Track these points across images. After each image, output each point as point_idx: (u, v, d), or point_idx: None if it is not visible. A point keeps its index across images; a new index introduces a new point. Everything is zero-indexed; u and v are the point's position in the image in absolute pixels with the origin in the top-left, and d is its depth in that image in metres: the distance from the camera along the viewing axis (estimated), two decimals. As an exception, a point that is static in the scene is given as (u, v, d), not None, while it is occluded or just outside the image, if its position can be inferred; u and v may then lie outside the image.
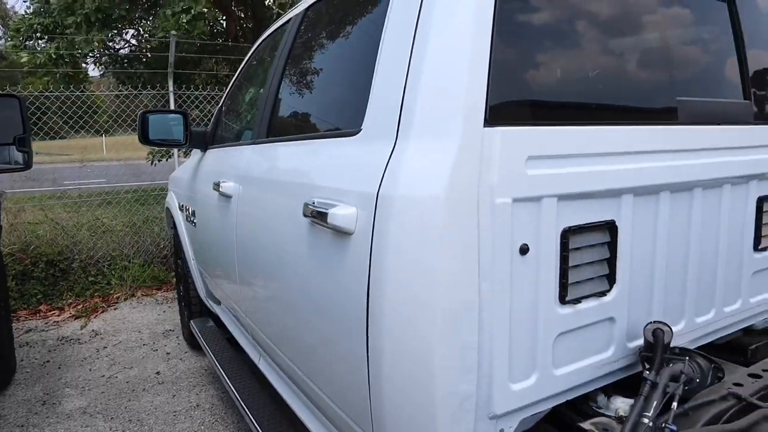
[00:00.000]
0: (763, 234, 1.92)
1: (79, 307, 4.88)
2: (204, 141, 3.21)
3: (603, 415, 1.48)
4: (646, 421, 1.25)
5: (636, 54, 1.59)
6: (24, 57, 7.59)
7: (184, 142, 3.10)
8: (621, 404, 1.51)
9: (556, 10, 1.42)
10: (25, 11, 8.38)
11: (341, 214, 1.35)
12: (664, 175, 1.52)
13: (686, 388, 1.45)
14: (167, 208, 4.04)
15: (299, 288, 1.70)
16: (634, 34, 1.61)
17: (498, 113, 1.22)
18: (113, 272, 5.29)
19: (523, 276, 1.28)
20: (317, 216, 1.45)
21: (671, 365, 1.41)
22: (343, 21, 1.95)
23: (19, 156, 2.74)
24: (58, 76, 7.45)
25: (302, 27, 2.18)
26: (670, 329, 1.46)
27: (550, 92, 1.40)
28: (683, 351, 1.55)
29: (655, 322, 1.49)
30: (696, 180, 1.62)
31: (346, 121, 1.61)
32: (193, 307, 3.66)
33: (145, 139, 2.97)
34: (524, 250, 1.27)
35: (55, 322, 4.66)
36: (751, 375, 1.57)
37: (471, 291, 1.20)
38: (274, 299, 2.03)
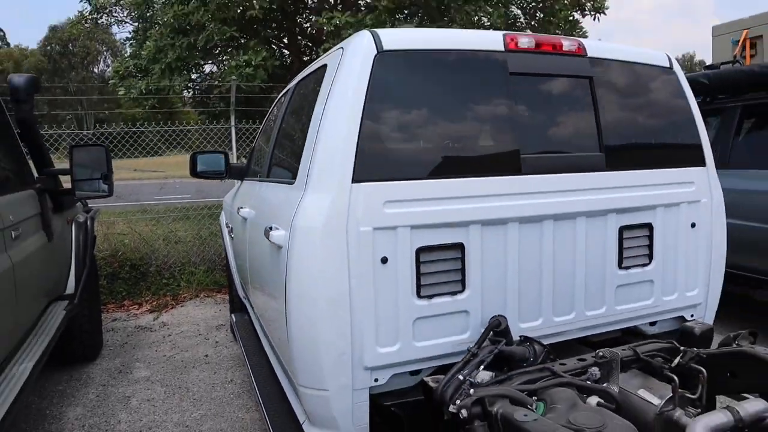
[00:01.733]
0: (625, 256, 2.47)
1: (154, 303, 5.95)
2: (240, 173, 4.08)
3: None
4: (460, 377, 1.89)
5: (483, 127, 2.23)
6: (121, 91, 9.04)
7: (225, 175, 3.98)
8: (483, 374, 2.14)
9: (410, 103, 2.10)
10: (124, 54, 9.90)
11: (277, 234, 2.11)
12: (510, 211, 2.16)
13: (524, 364, 2.06)
14: (219, 224, 4.97)
15: (266, 279, 2.48)
16: (482, 113, 2.24)
17: (362, 174, 1.93)
18: (182, 276, 6.34)
19: (385, 277, 1.97)
20: (268, 236, 2.21)
21: (499, 344, 2.03)
22: (304, 100, 2.72)
23: (105, 187, 3.72)
24: (147, 107, 8.83)
25: (289, 98, 2.98)
26: (505, 320, 2.09)
27: (403, 158, 2.08)
28: (525, 338, 2.16)
29: (497, 315, 2.11)
30: (544, 214, 2.23)
31: (291, 173, 2.37)
32: (234, 304, 4.54)
33: (194, 172, 3.87)
34: (385, 260, 1.97)
35: (134, 314, 5.73)
36: (579, 359, 2.15)
37: (343, 286, 1.91)
38: (258, 286, 2.84)
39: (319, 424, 2.09)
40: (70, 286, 4.07)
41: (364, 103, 1.96)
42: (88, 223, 4.46)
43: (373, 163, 1.98)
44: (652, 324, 2.69)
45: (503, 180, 2.16)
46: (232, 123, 6.83)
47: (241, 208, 3.31)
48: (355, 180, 1.93)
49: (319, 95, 2.18)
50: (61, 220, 4.00)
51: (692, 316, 2.75)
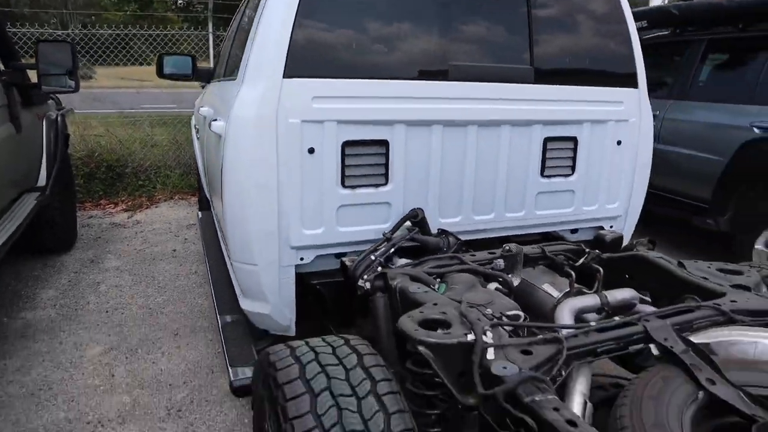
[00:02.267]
0: (548, 165, 2.66)
1: (129, 203, 6.17)
2: (208, 76, 4.18)
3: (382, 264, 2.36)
4: (372, 257, 2.12)
5: (412, 32, 2.35)
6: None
7: (192, 77, 4.07)
8: (400, 261, 2.38)
9: (341, 6, 2.21)
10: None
11: (216, 125, 2.28)
12: (435, 114, 2.32)
13: (438, 256, 2.29)
14: (191, 127, 5.11)
15: (213, 169, 2.68)
16: (412, 19, 2.35)
17: (293, 70, 2.08)
18: (158, 179, 6.53)
19: (312, 166, 2.16)
20: (210, 126, 2.37)
21: (412, 232, 2.25)
22: (253, 4, 2.80)
23: (71, 83, 3.83)
24: (128, 10, 8.67)
25: (246, 3, 3.06)
26: (422, 212, 2.30)
27: (332, 58, 2.21)
28: (442, 231, 2.39)
29: (415, 208, 2.33)
30: (468, 120, 2.40)
31: (237, 69, 2.50)
32: (202, 203, 4.76)
33: (160, 73, 3.96)
34: (312, 150, 2.15)
35: (110, 212, 5.96)
36: (490, 252, 2.38)
37: (272, 173, 2.10)
38: (210, 177, 3.05)
39: (250, 297, 2.35)
40: (42, 179, 4.24)
41: (298, 5, 2.08)
42: (59, 119, 4.58)
43: (303, 61, 2.11)
44: (574, 231, 2.93)
45: (429, 84, 2.30)
46: (210, 29, 6.81)
47: (202, 107, 3.45)
48: (286, 75, 2.07)
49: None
50: (31, 114, 4.11)
51: (611, 227, 2.99)
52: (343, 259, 2.26)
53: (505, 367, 1.41)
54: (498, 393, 1.33)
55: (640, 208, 3.04)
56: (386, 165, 2.29)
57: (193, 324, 3.61)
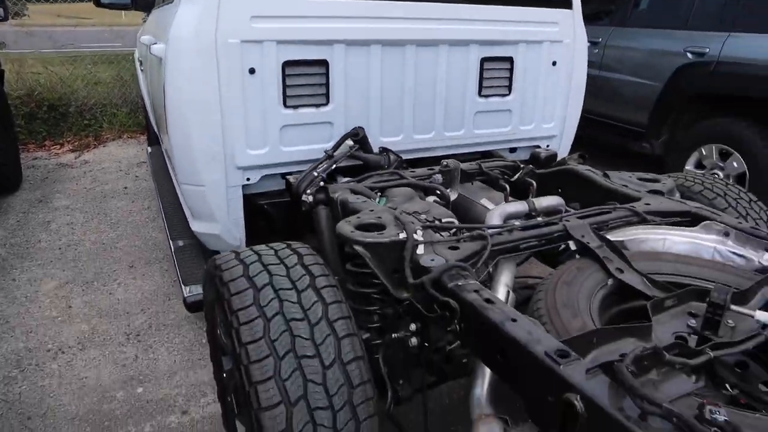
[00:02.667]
0: (485, 85, 2.76)
1: (76, 143, 6.03)
2: (148, 5, 4.05)
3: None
4: (315, 173, 2.21)
5: None
6: None
7: (131, 5, 3.95)
8: (344, 179, 2.47)
9: None
10: None
11: (157, 48, 2.27)
12: (373, 34, 2.36)
13: (379, 172, 2.38)
14: (134, 61, 4.97)
15: (156, 94, 2.68)
16: None
17: (229, -13, 2.08)
18: (104, 117, 6.36)
19: (253, 86, 2.20)
20: (150, 50, 2.36)
21: (353, 149, 2.34)
22: None
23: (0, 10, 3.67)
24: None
25: None
26: (363, 130, 2.39)
27: None
28: (383, 149, 2.49)
29: (357, 127, 2.41)
30: (406, 39, 2.45)
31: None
32: (151, 139, 4.71)
33: (98, 3, 3.83)
34: (252, 71, 2.18)
35: (56, 153, 5.82)
36: (429, 168, 2.49)
37: (214, 92, 2.13)
38: (154, 105, 3.04)
39: (200, 218, 2.42)
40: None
41: None
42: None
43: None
44: (512, 151, 3.07)
45: (366, 4, 2.34)
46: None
47: (143, 36, 3.37)
48: (223, -7, 2.08)
49: None
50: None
51: (548, 146, 3.13)
52: (288, 177, 2.34)
53: (432, 260, 1.54)
54: (425, 281, 1.47)
55: (575, 128, 3.19)
56: (327, 85, 2.34)
57: (148, 256, 3.66)
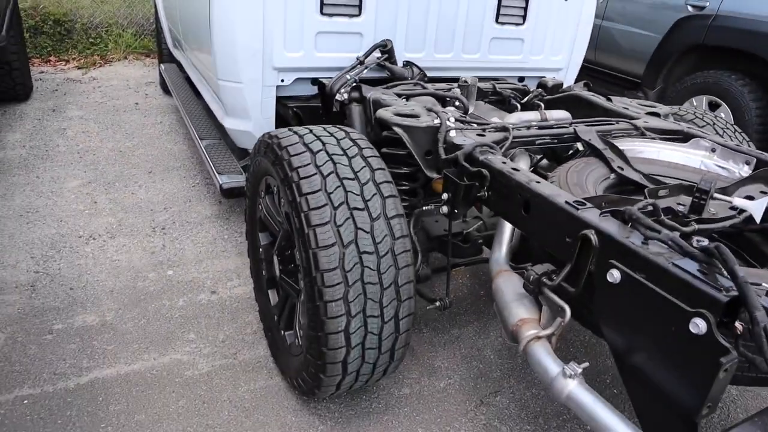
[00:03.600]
0: (502, 13, 2.94)
1: (81, 61, 6.06)
2: None
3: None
4: (347, 76, 2.39)
5: None
6: None
7: None
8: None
9: None
10: None
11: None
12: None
13: (404, 82, 2.57)
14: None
15: (196, 14, 2.81)
16: None
17: None
18: (110, 37, 6.38)
19: (294, -8, 2.35)
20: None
21: (382, 59, 2.53)
22: None
23: None
24: None
25: None
26: (391, 43, 2.57)
27: None
28: (408, 62, 2.68)
29: (385, 39, 2.58)
30: (436, -41, 2.61)
31: None
32: (164, 57, 4.80)
33: None
34: (294, -25, 2.33)
35: (62, 69, 5.87)
36: (448, 83, 2.68)
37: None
38: (187, 15, 3.16)
39: (234, 115, 2.60)
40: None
41: None
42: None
43: None
44: (521, 80, 3.27)
45: None
46: None
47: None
48: None
49: None
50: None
51: (554, 78, 3.34)
52: (321, 79, 2.53)
53: (464, 139, 1.77)
54: (459, 155, 1.70)
55: (580, 63, 3.40)
56: (361, -4, 2.51)
57: (166, 164, 3.83)
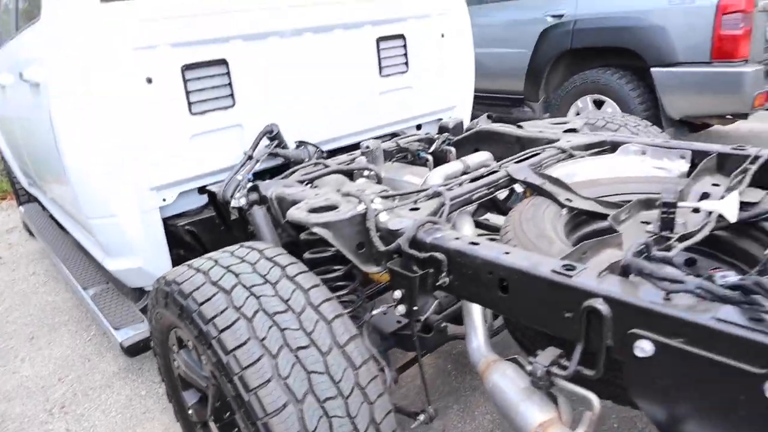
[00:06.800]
0: (383, 65, 2.75)
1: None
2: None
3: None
4: (239, 177, 2.07)
5: None
6: None
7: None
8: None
9: None
10: None
11: (31, 72, 2.01)
12: (268, 26, 2.26)
13: (303, 165, 2.27)
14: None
15: (36, 132, 2.41)
16: None
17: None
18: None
19: (154, 97, 2.00)
20: (23, 77, 2.09)
21: (272, 148, 2.23)
22: None
23: None
24: None
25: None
26: (277, 127, 2.27)
27: None
28: (300, 142, 2.39)
29: (269, 124, 2.29)
30: (302, 27, 2.37)
31: (36, 8, 2.20)
32: (22, 198, 4.22)
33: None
34: (150, 80, 1.99)
35: None
36: (349, 154, 2.41)
37: (108, 109, 1.91)
38: (32, 149, 2.78)
39: (116, 254, 2.17)
40: None
41: None
42: None
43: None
44: (418, 128, 3.09)
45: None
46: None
47: (-6, 80, 2.99)
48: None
49: None
50: None
51: (450, 117, 3.19)
52: (209, 186, 2.18)
53: (401, 222, 1.48)
54: (402, 242, 1.40)
55: (472, 95, 3.29)
56: (230, 85, 2.20)
57: (50, 322, 3.25)
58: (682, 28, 3.98)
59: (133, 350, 2.05)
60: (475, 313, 1.55)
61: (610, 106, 4.45)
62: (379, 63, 2.72)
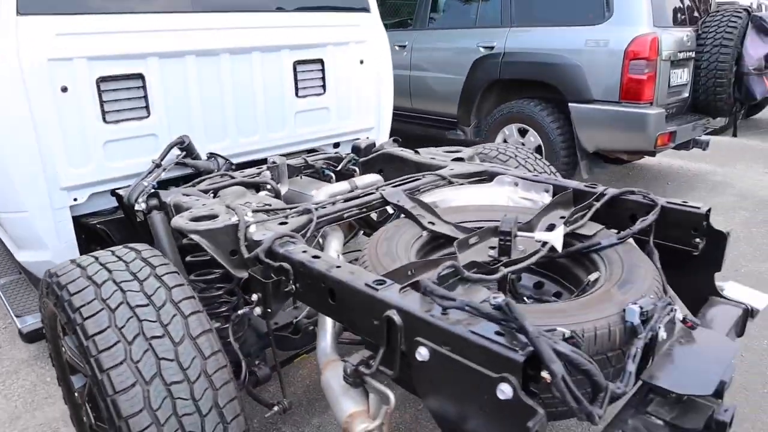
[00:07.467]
0: (300, 87, 2.97)
1: None
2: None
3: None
4: (144, 183, 2.26)
5: None
6: None
7: None
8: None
9: None
10: None
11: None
12: (185, 45, 2.46)
13: (210, 176, 2.46)
14: None
15: None
16: None
17: (28, 7, 2.06)
18: None
19: (69, 104, 2.18)
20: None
21: (180, 158, 2.43)
22: None
23: None
24: None
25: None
26: (188, 138, 2.47)
27: None
28: (211, 154, 2.59)
29: (181, 135, 2.48)
30: (219, 48, 2.58)
31: None
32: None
33: None
34: (65, 89, 2.17)
35: None
36: (257, 168, 2.61)
37: (23, 113, 2.08)
38: None
39: (27, 247, 2.33)
40: None
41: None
42: None
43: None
44: (336, 146, 3.32)
45: (175, 17, 2.43)
46: None
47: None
48: (20, 13, 2.05)
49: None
50: None
51: (368, 138, 3.43)
52: (118, 190, 2.36)
53: (264, 234, 1.70)
54: (259, 252, 1.62)
55: (390, 118, 3.53)
56: (146, 98, 2.39)
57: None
58: (596, 69, 4.34)
59: (32, 337, 2.21)
60: (327, 318, 1.78)
61: (533, 136, 4.78)
62: (296, 84, 2.95)
